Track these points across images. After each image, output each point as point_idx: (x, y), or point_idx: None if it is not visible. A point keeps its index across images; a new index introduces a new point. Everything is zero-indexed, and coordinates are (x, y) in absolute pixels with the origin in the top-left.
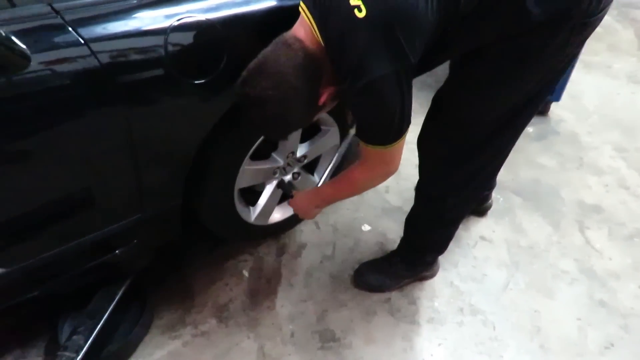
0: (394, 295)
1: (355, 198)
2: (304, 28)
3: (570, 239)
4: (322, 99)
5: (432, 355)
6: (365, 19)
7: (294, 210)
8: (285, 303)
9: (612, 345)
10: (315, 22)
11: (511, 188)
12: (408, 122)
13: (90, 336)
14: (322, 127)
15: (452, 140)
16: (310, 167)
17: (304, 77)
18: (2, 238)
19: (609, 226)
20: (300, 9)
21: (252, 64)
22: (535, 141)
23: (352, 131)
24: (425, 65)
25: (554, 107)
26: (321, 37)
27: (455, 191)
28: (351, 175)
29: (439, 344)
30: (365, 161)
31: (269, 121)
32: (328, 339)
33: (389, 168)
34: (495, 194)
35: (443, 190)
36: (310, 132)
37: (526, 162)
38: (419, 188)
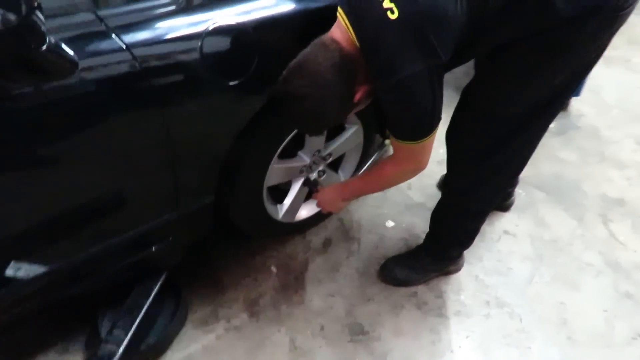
0: (420, 289)
1: (378, 195)
2: (341, 31)
3: (594, 232)
4: (357, 96)
5: (460, 347)
6: (397, 20)
7: (318, 204)
8: (313, 297)
9: None
10: (351, 25)
11: (533, 183)
12: (439, 118)
13: (130, 330)
14: (346, 126)
15: (481, 133)
16: (335, 165)
17: (340, 76)
18: (45, 237)
19: (633, 219)
20: (337, 14)
21: (292, 64)
22: (556, 136)
23: (387, 142)
24: (455, 62)
25: (574, 101)
26: (356, 38)
27: (482, 184)
28: (382, 170)
29: (467, 337)
30: (396, 156)
31: (306, 117)
32: (357, 332)
33: (419, 163)
34: (517, 189)
35: (470, 184)
36: (335, 131)
37: (548, 157)
38: (446, 182)
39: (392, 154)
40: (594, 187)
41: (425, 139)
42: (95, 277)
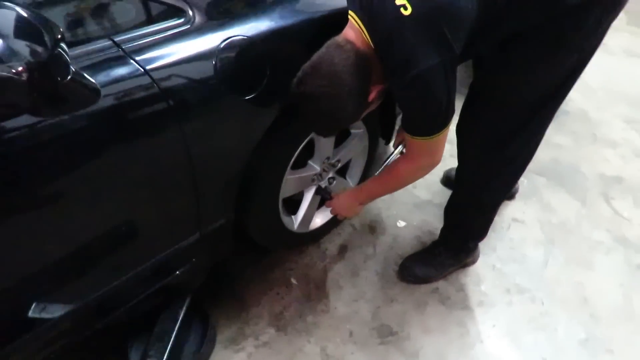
0: (441, 284)
1: (386, 197)
2: (354, 31)
3: (598, 211)
4: (371, 96)
5: (488, 337)
6: (411, 16)
7: (334, 211)
8: (338, 304)
9: None
10: (364, 25)
11: (534, 170)
12: (452, 112)
13: (163, 357)
14: (352, 131)
15: (494, 125)
16: (342, 171)
17: (355, 75)
18: (68, 274)
19: (633, 194)
20: (349, 15)
21: (307, 65)
22: None
23: (400, 148)
24: (465, 55)
25: None
26: (370, 37)
27: (495, 175)
28: (396, 169)
29: (493, 325)
30: (411, 153)
31: (322, 116)
32: (386, 333)
33: (433, 159)
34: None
35: (483, 175)
36: (342, 137)
37: (543, 143)
38: (459, 174)
39: (406, 152)
40: (591, 168)
41: (440, 133)
42: (122, 309)
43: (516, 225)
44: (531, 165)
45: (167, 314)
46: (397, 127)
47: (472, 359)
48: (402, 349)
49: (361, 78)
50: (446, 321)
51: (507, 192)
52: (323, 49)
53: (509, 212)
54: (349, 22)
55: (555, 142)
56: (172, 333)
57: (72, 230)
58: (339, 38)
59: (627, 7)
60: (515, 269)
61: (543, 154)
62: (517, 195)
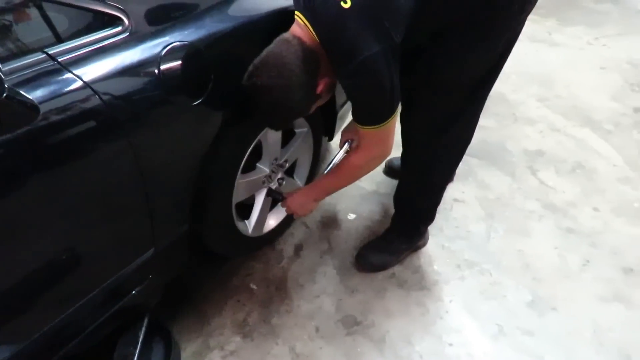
0: (397, 269)
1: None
2: (300, 28)
3: (527, 183)
4: (319, 88)
5: (447, 312)
6: (351, 9)
7: (289, 210)
8: (300, 303)
9: (588, 261)
10: (309, 21)
11: (467, 152)
12: (398, 99)
13: None
14: (296, 130)
15: (433, 110)
16: (291, 171)
17: (302, 67)
18: (10, 311)
19: (554, 165)
20: (295, 15)
21: (257, 59)
22: None
23: (346, 147)
24: (407, 44)
25: None
26: (315, 32)
27: (439, 158)
28: (349, 161)
29: (450, 301)
30: (362, 144)
31: (274, 107)
32: (351, 324)
33: (384, 148)
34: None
35: (429, 159)
36: (287, 138)
37: None
38: (404, 160)
39: (358, 143)
40: (516, 145)
41: (388, 121)
42: (76, 341)
43: (458, 205)
44: None
45: (127, 337)
46: (342, 128)
47: (435, 334)
48: (369, 336)
49: (308, 70)
50: (406, 303)
51: (452, 173)
52: (272, 45)
53: (450, 194)
54: (295, 21)
55: (482, 124)
56: (134, 356)
57: (10, 261)
58: (286, 34)
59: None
60: (462, 245)
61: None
62: (455, 178)
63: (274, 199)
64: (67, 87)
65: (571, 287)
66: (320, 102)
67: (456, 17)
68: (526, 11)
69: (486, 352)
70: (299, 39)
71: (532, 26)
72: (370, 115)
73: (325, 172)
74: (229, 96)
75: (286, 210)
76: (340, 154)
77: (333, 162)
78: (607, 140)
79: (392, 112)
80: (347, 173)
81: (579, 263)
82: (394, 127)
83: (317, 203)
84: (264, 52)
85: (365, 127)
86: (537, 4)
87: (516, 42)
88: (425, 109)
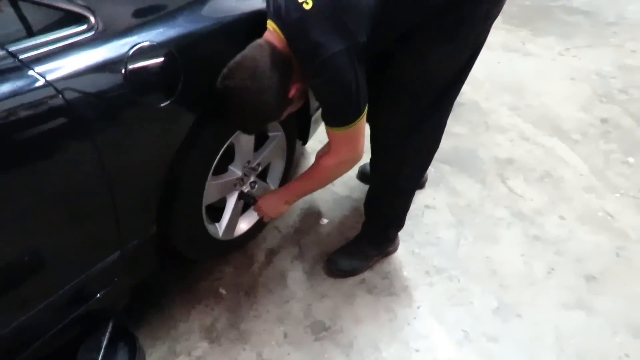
0: (367, 275)
1: (306, 197)
2: (272, 34)
3: (497, 191)
4: (292, 92)
5: (415, 318)
6: (312, 10)
7: (260, 213)
8: (269, 308)
9: (553, 269)
10: (278, 27)
11: (438, 159)
12: (365, 100)
13: None
14: (270, 134)
15: (405, 111)
16: (263, 175)
17: (276, 70)
18: None
19: (523, 173)
20: (267, 23)
21: (231, 62)
22: None
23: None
24: (373, 47)
25: None
26: (284, 37)
27: (408, 161)
28: (320, 165)
29: (418, 307)
30: (332, 147)
31: (246, 110)
32: (320, 329)
33: (354, 151)
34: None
35: (397, 163)
36: (261, 141)
37: (444, 133)
38: (373, 164)
39: (328, 146)
40: (487, 153)
41: (356, 122)
42: (35, 345)
43: (429, 211)
44: (436, 155)
45: (89, 342)
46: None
47: (402, 340)
48: (337, 342)
49: (280, 74)
50: (375, 309)
51: (421, 177)
52: (246, 49)
53: (421, 200)
54: (267, 28)
55: (455, 131)
56: None
57: None
58: (260, 40)
59: (502, 8)
60: (432, 251)
61: (445, 143)
62: (426, 184)
63: (246, 202)
64: (28, 85)
65: (536, 293)
66: (292, 108)
67: (420, 19)
68: (491, 17)
69: (451, 357)
70: (270, 44)
71: (506, 36)
72: (338, 115)
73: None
74: (199, 98)
75: (257, 213)
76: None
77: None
78: (574, 149)
79: (359, 112)
80: (318, 176)
81: (544, 270)
82: (363, 129)
83: (288, 206)
84: (238, 55)
85: (334, 128)
86: (512, 14)
87: (485, 49)
88: (393, 112)
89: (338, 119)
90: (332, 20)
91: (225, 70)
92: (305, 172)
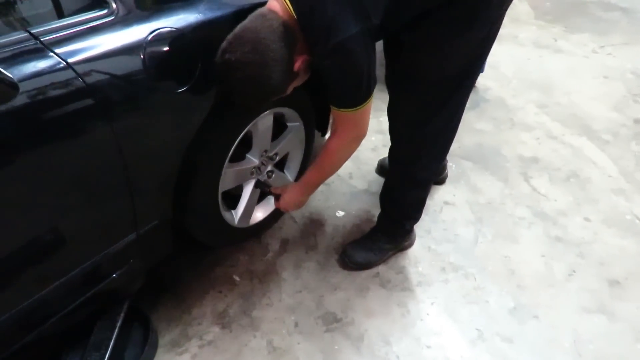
0: (381, 268)
1: (323, 188)
2: (278, 3)
3: (520, 189)
4: (296, 65)
5: (428, 314)
6: None
7: (281, 208)
8: (282, 297)
9: (574, 271)
10: None
11: (460, 155)
12: (374, 82)
13: None
14: (288, 124)
15: (420, 102)
16: (281, 165)
17: (280, 42)
18: None
19: (548, 172)
20: None
21: (231, 35)
22: (471, 110)
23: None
24: (383, 32)
25: (480, 77)
26: (293, 9)
27: (425, 151)
28: (328, 148)
29: (432, 303)
30: (338, 128)
31: (249, 84)
32: (331, 321)
33: (359, 130)
34: (448, 163)
35: (414, 152)
36: (279, 131)
37: (467, 130)
38: (391, 154)
39: (333, 127)
40: (511, 150)
41: (364, 104)
42: (52, 321)
43: (447, 207)
44: (457, 151)
45: (104, 321)
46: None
47: (414, 336)
48: (347, 334)
49: (285, 46)
50: (388, 303)
51: (438, 167)
52: (247, 20)
53: (440, 196)
54: None
55: (478, 128)
56: (110, 341)
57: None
58: (262, 9)
59: (534, 3)
60: (449, 248)
61: (468, 139)
62: (446, 180)
63: (262, 190)
64: (48, 66)
65: (555, 296)
66: (297, 82)
67: (432, 5)
68: (506, 3)
69: (463, 356)
70: (275, 13)
71: (538, 32)
72: (347, 97)
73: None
74: (216, 84)
75: (279, 207)
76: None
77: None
78: (604, 150)
79: (367, 96)
80: (328, 161)
81: (564, 272)
82: (369, 111)
83: (307, 197)
84: (238, 27)
85: (340, 109)
86: (545, 10)
87: (514, 45)
88: (409, 101)
89: (346, 101)
90: (350, 1)
91: (224, 43)
92: (316, 160)
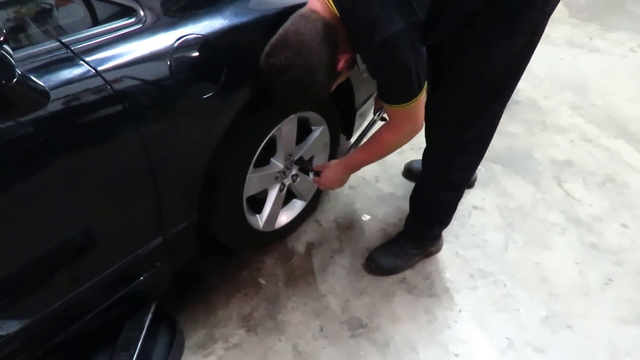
0: (408, 274)
1: (349, 191)
2: (319, 1)
3: (552, 194)
4: (340, 65)
5: (456, 322)
6: None
7: (321, 185)
8: (307, 301)
9: (611, 280)
10: None
11: (490, 158)
12: (425, 77)
13: None
14: (313, 127)
15: (462, 104)
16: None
17: (323, 44)
18: (23, 286)
19: (583, 176)
20: None
21: (274, 39)
22: None
23: (380, 113)
24: (429, 36)
25: None
26: (335, 6)
27: (460, 154)
28: (380, 138)
29: (460, 310)
30: (392, 122)
31: (294, 88)
32: (356, 326)
33: (414, 125)
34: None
35: (450, 155)
36: (303, 134)
37: (497, 132)
38: (426, 156)
39: (388, 121)
40: (543, 154)
41: (416, 98)
42: (83, 320)
43: (476, 212)
44: (487, 154)
45: (133, 321)
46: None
47: (441, 344)
48: (373, 340)
49: (329, 46)
50: (414, 309)
51: (472, 172)
52: (288, 22)
53: (469, 200)
54: None
55: (509, 130)
56: (138, 341)
57: (24, 241)
58: (303, 10)
59: (568, 1)
60: (477, 254)
61: (498, 142)
62: (475, 184)
63: (302, 168)
64: (78, 74)
65: (590, 305)
66: (340, 80)
67: (478, 6)
68: (550, 5)
69: None
70: (317, 13)
71: (572, 30)
72: (397, 94)
73: (361, 144)
74: (241, 90)
75: (318, 184)
76: (375, 123)
77: (367, 131)
78: None
79: (419, 90)
80: (378, 149)
81: (600, 281)
82: (423, 103)
83: (347, 177)
84: (281, 30)
85: (392, 105)
86: (580, 7)
87: (547, 45)
88: (449, 105)
89: (397, 97)
90: None
91: (267, 48)
92: (365, 144)
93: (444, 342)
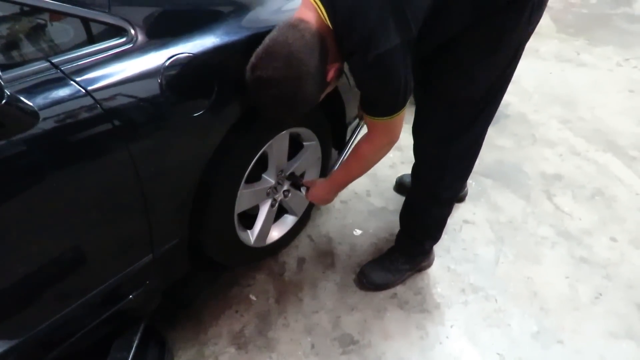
0: (399, 289)
1: (340, 206)
2: (309, 10)
3: (542, 208)
4: (329, 75)
5: (447, 337)
6: None
7: (311, 200)
8: (298, 317)
9: (601, 294)
10: (323, 4)
11: (480, 172)
12: (410, 91)
13: None
14: (305, 143)
15: (447, 120)
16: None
17: (312, 54)
18: (10, 306)
19: (572, 190)
20: None
21: (260, 50)
22: (491, 126)
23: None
24: (417, 50)
25: None
26: (328, 17)
27: (449, 170)
28: (359, 151)
29: (451, 326)
30: (371, 134)
31: (282, 101)
32: (347, 342)
33: (392, 136)
34: (468, 180)
35: (438, 170)
36: (295, 150)
37: (487, 146)
38: (415, 172)
39: (367, 133)
40: (533, 167)
41: (399, 112)
42: (71, 340)
43: (467, 226)
44: (478, 168)
45: (121, 341)
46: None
47: (433, 359)
48: (364, 357)
49: (319, 57)
50: (406, 325)
51: (461, 186)
52: (275, 31)
53: (460, 214)
54: (303, 3)
55: (499, 144)
56: None
57: (13, 259)
58: (291, 19)
59: (556, 16)
60: (468, 268)
61: (488, 156)
62: (466, 198)
63: (293, 182)
64: (68, 95)
65: (580, 319)
66: (328, 89)
67: (469, 21)
68: (533, 23)
69: None
70: (306, 23)
71: (560, 45)
72: (382, 108)
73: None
74: (232, 108)
75: (308, 199)
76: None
77: (354, 139)
78: (630, 167)
79: (404, 104)
80: (357, 165)
81: (590, 295)
82: (403, 117)
83: (335, 194)
84: (267, 39)
85: (374, 117)
86: (567, 22)
87: (536, 59)
88: (435, 121)
89: (381, 110)
90: (392, 10)
91: (253, 59)
92: (345, 161)
93: (436, 358)
